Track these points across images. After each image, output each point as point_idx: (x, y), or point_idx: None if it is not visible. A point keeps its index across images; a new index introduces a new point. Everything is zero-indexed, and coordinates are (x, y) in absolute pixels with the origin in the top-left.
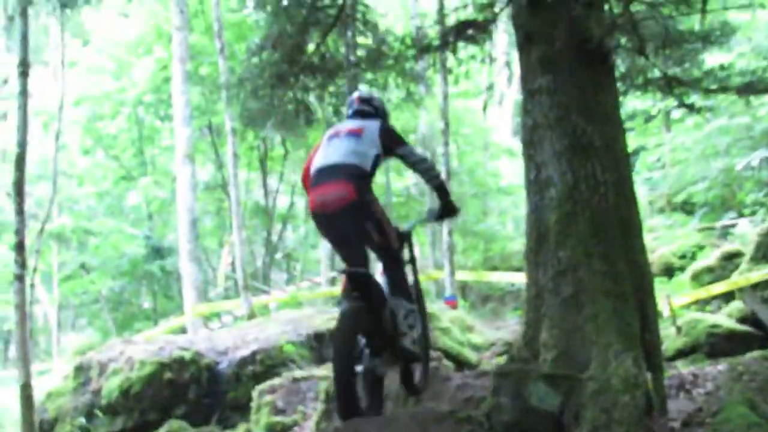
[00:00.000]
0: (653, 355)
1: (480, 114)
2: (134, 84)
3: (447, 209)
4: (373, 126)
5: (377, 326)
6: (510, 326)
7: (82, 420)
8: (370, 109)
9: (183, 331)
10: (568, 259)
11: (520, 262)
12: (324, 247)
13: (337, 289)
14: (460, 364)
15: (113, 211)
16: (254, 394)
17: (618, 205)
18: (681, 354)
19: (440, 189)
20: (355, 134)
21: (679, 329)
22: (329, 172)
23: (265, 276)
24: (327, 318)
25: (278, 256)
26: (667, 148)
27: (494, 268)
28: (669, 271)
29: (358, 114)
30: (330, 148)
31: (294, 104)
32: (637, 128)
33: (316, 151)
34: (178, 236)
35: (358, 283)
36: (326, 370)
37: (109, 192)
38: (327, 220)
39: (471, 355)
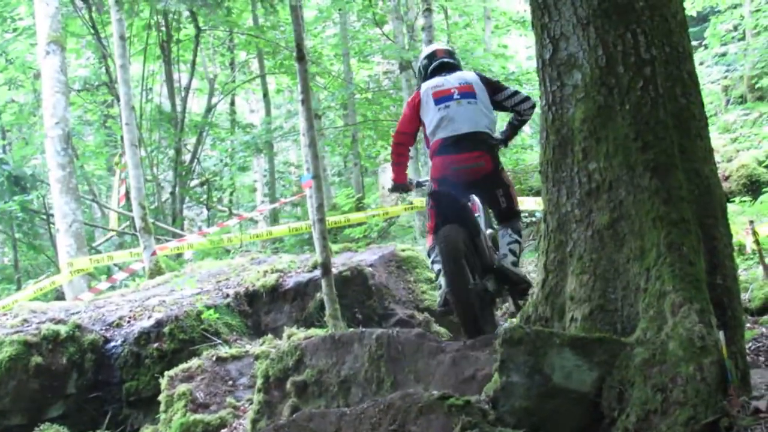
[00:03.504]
0: (729, 307)
1: None
2: None
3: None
4: (475, 80)
5: (476, 248)
6: (528, 274)
7: None
8: (454, 62)
9: (58, 296)
10: (602, 173)
11: (540, 181)
12: (259, 168)
13: (279, 229)
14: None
15: None
16: (162, 382)
17: (672, 94)
18: None
19: (519, 128)
20: (469, 94)
21: None
22: (461, 142)
23: (175, 213)
24: (264, 270)
25: (193, 183)
26: (748, 9)
27: None
28: (753, 187)
29: (445, 67)
30: (452, 113)
31: None
32: None
33: (414, 109)
34: (46, 159)
35: (447, 206)
36: (265, 344)
37: None
38: (456, 184)
39: None
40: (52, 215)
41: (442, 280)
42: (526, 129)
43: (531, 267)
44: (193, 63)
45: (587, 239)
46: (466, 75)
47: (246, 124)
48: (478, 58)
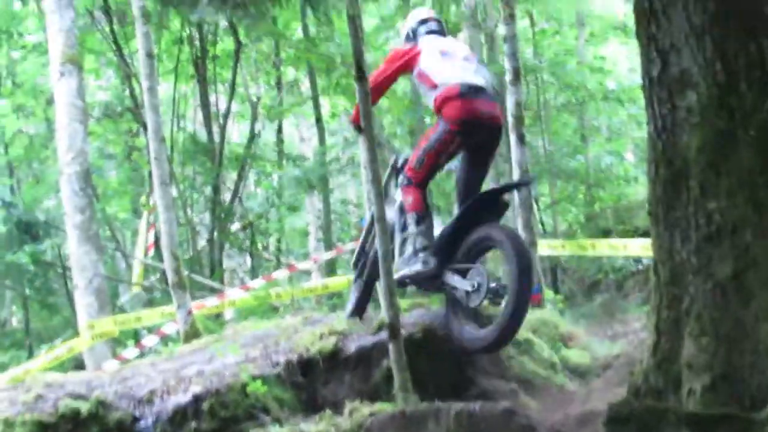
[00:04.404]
0: None
1: None
2: None
3: None
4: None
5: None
6: (635, 333)
7: None
8: (442, 29)
9: (78, 365)
10: (724, 213)
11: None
12: (312, 208)
13: (337, 281)
14: (552, 400)
15: None
16: None
17: None
18: None
19: None
20: (473, 58)
21: None
22: (482, 92)
23: (214, 263)
24: (320, 332)
25: (234, 227)
26: None
27: (605, 233)
28: None
29: (442, 32)
30: (464, 67)
31: None
32: None
33: (409, 60)
34: (62, 201)
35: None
36: (323, 423)
37: None
38: (480, 129)
39: (569, 386)
40: (69, 268)
41: (430, 259)
42: (630, 156)
43: (638, 324)
44: (233, 83)
45: (707, 293)
46: (465, 46)
47: (296, 156)
48: (571, 73)
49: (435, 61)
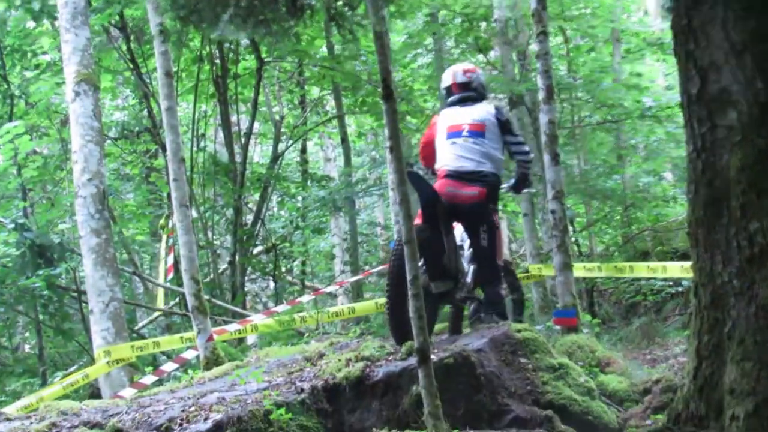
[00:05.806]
0: None
1: None
2: None
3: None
4: (490, 119)
5: (438, 252)
6: (675, 357)
7: None
8: (472, 94)
9: (93, 392)
10: (767, 234)
11: (688, 241)
12: (338, 230)
13: (364, 305)
14: (589, 427)
15: None
16: None
17: None
18: None
19: (523, 179)
20: (478, 133)
21: None
22: (466, 177)
23: (235, 287)
24: (347, 357)
25: (256, 250)
26: None
27: (643, 255)
28: None
29: (462, 101)
30: (459, 149)
31: None
32: None
33: (431, 136)
34: (77, 224)
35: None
36: None
37: None
38: (450, 207)
39: (606, 413)
40: (85, 293)
41: None
42: (668, 176)
43: (678, 349)
44: (255, 102)
45: (749, 317)
46: (482, 111)
47: (321, 177)
48: (606, 91)
49: (439, 142)
